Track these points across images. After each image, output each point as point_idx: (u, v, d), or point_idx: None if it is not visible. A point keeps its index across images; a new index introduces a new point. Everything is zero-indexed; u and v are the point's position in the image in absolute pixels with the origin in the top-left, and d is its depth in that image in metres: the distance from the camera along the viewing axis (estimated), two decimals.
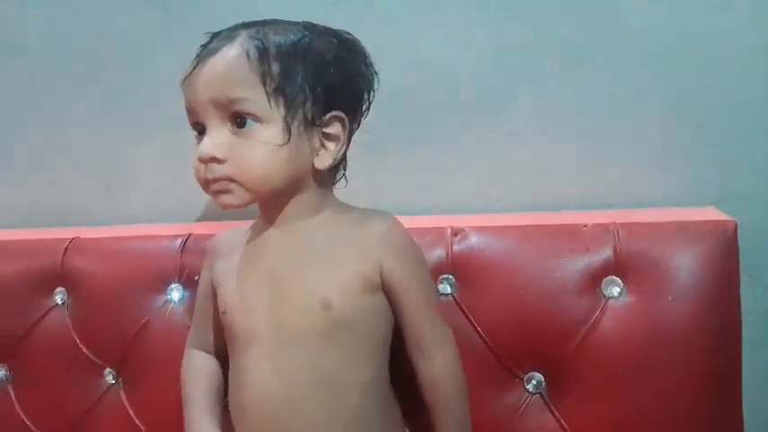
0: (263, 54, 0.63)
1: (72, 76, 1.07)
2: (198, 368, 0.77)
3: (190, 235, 0.90)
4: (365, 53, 0.69)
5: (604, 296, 0.74)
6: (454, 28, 0.89)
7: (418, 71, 0.91)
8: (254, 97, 0.63)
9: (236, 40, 0.64)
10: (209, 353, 0.78)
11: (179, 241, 0.89)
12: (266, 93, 0.63)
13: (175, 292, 0.88)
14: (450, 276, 0.79)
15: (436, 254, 0.79)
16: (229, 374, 0.72)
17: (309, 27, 0.67)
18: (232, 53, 0.63)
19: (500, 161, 0.90)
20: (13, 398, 0.96)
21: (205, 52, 0.64)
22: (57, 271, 0.94)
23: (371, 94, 0.70)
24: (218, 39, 0.65)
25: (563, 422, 0.74)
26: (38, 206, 1.12)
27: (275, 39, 0.64)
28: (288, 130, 0.63)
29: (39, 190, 1.12)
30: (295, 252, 0.68)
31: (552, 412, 0.75)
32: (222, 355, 0.76)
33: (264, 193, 0.66)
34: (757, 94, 0.82)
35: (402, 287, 0.68)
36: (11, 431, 0.95)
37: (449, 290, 0.79)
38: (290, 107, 0.64)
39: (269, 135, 0.63)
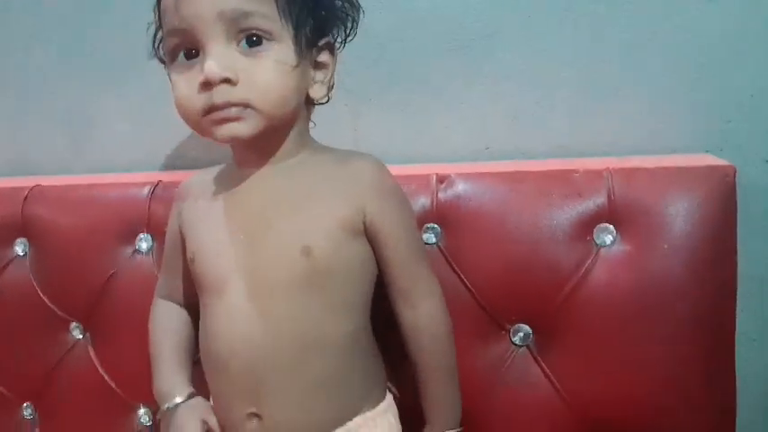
0: None
1: (34, 21, 1.00)
2: (166, 319, 0.73)
3: (159, 182, 0.84)
4: None
5: (596, 245, 0.71)
6: None
7: (403, 14, 0.85)
8: (267, 12, 0.57)
9: None
10: (179, 303, 0.74)
11: (147, 189, 0.84)
12: (277, 7, 0.57)
13: (144, 243, 0.83)
14: (436, 225, 0.75)
15: (420, 202, 0.75)
16: (200, 324, 0.68)
17: None
18: None
19: (489, 107, 0.86)
20: None
21: None
22: (17, 220, 0.89)
23: (356, 20, 0.65)
24: None
25: (550, 375, 0.72)
26: (2, 156, 1.06)
27: None
28: (300, 50, 0.58)
29: (3, 140, 1.05)
30: (272, 195, 0.64)
31: (540, 365, 0.72)
32: (192, 305, 0.71)
33: (278, 119, 0.60)
34: (758, 38, 0.78)
35: (386, 232, 0.64)
36: None
37: (434, 239, 0.75)
38: (297, 26, 0.58)
39: (282, 54, 0.58)
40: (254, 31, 0.57)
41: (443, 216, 0.75)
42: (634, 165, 0.73)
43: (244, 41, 0.57)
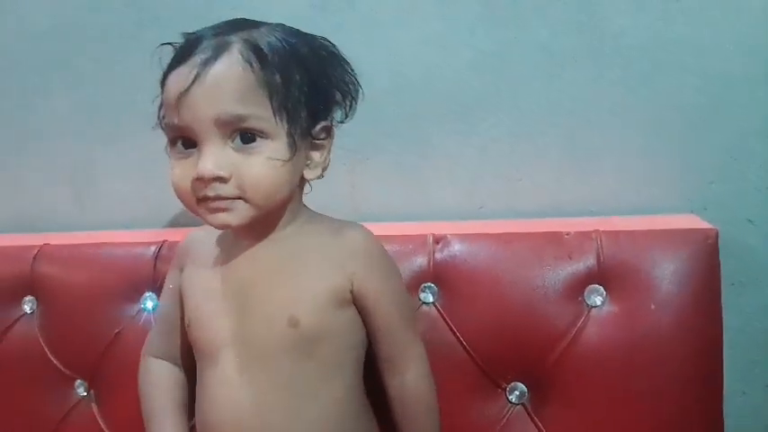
0: (265, 65, 0.59)
1: (42, 79, 1.03)
2: (161, 379, 0.74)
3: (164, 242, 0.87)
4: (345, 59, 0.67)
5: (587, 305, 0.74)
6: (435, 34, 0.88)
7: (399, 77, 0.89)
8: (261, 113, 0.59)
9: (234, 49, 0.59)
10: (173, 361, 0.74)
11: (153, 249, 0.87)
12: (272, 107, 0.59)
13: (149, 301, 0.85)
14: (432, 285, 0.78)
15: (418, 262, 0.78)
16: (197, 388, 0.69)
17: (292, 31, 0.64)
18: (236, 66, 0.58)
19: (481, 168, 0.89)
20: None
21: (201, 64, 0.58)
22: (25, 278, 0.90)
23: (355, 101, 0.68)
24: (207, 45, 0.59)
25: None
26: (6, 212, 1.09)
27: (272, 46, 0.60)
28: (293, 144, 0.61)
29: (7, 195, 1.08)
30: (264, 265, 0.66)
31: (535, 423, 0.74)
32: (189, 366, 0.73)
33: (268, 209, 0.63)
34: (739, 101, 0.82)
35: (374, 301, 0.66)
36: None
37: (431, 298, 0.77)
38: (292, 120, 0.61)
39: (275, 151, 0.60)
40: (250, 132, 0.59)
41: (440, 276, 0.78)
42: (621, 227, 0.77)
43: (238, 138, 0.59)
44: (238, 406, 0.63)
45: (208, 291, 0.67)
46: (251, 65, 0.59)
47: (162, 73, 0.62)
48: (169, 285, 0.75)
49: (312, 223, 0.68)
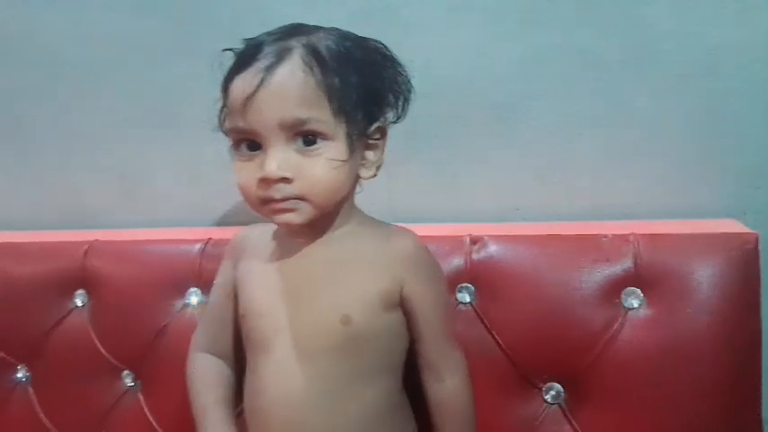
0: (325, 69, 0.62)
1: (95, 81, 1.07)
2: (209, 375, 0.76)
3: (209, 239, 0.90)
4: (398, 60, 0.69)
5: (624, 307, 0.74)
6: (474, 37, 0.89)
7: (438, 80, 0.91)
8: (321, 116, 0.62)
9: (295, 54, 0.62)
10: (222, 356, 0.77)
11: (199, 246, 0.90)
12: (331, 111, 0.62)
13: (194, 297, 0.89)
14: (470, 285, 0.79)
15: (455, 262, 0.80)
16: (246, 379, 0.72)
17: (347, 34, 0.67)
18: (298, 71, 0.61)
19: (519, 170, 0.90)
20: (33, 398, 0.97)
21: (265, 69, 0.61)
22: (77, 273, 0.94)
23: (407, 101, 0.70)
24: (270, 51, 0.62)
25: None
26: (59, 209, 1.13)
27: (330, 50, 0.63)
28: (351, 145, 0.64)
29: (61, 192, 1.13)
30: (319, 264, 0.69)
31: (571, 423, 0.75)
32: (237, 359, 0.76)
33: (329, 208, 0.66)
34: None
35: (420, 307, 0.68)
36: (30, 431, 0.96)
37: (468, 298, 0.79)
38: (349, 122, 0.63)
39: (335, 152, 0.63)
40: (309, 135, 0.62)
41: (476, 276, 0.79)
42: (659, 230, 0.77)
43: (300, 141, 0.62)
44: (287, 394, 0.66)
45: (264, 284, 0.70)
46: (311, 69, 0.61)
47: (223, 78, 0.65)
48: (221, 279, 0.78)
49: (364, 225, 0.71)
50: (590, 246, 0.77)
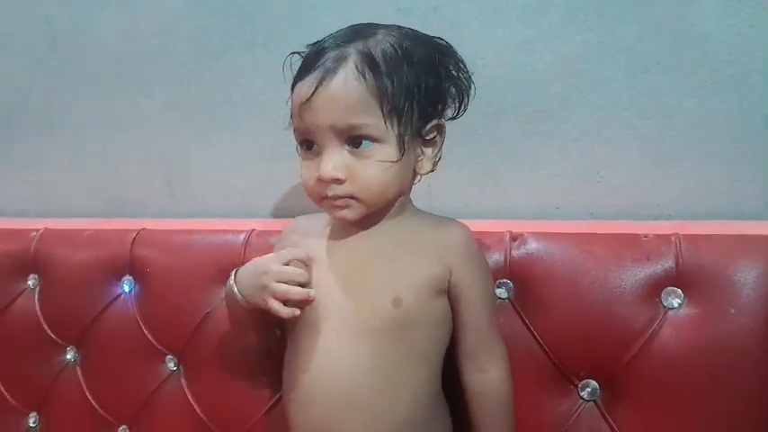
0: (377, 74, 0.65)
1: (141, 76, 1.11)
2: None
3: (253, 230, 0.93)
4: (459, 57, 0.72)
5: (664, 307, 0.74)
6: (517, 35, 0.90)
7: (478, 78, 0.91)
8: (373, 121, 0.65)
9: (350, 61, 0.65)
10: None
11: (242, 236, 0.92)
12: (383, 115, 0.65)
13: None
14: (508, 281, 0.80)
15: (494, 258, 0.81)
16: (286, 361, 0.74)
17: (407, 33, 0.69)
18: (351, 79, 0.65)
19: (559, 169, 0.91)
20: (81, 379, 1.01)
21: (323, 74, 0.65)
22: (125, 260, 0.98)
23: (467, 96, 0.73)
24: (328, 58, 0.66)
25: (617, 430, 0.74)
26: (106, 198, 1.17)
27: (386, 53, 0.66)
28: (402, 146, 0.67)
29: (108, 183, 1.17)
30: (371, 249, 0.71)
31: (606, 420, 0.75)
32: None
33: (381, 205, 0.70)
34: None
35: (467, 295, 0.71)
36: (77, 411, 1.00)
37: (506, 294, 0.80)
38: (402, 124, 0.67)
39: (385, 154, 0.66)
40: (362, 138, 0.66)
41: (516, 272, 0.80)
42: (701, 231, 0.77)
43: (353, 143, 0.66)
44: (333, 376, 0.68)
45: (318, 261, 0.71)
46: (364, 76, 0.65)
47: (293, 81, 0.69)
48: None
49: (416, 216, 0.75)
50: (630, 245, 0.77)
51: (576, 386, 0.77)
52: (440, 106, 0.71)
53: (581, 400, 0.77)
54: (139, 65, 1.11)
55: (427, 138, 0.70)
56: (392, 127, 0.66)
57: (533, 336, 0.77)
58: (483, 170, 0.94)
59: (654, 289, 0.74)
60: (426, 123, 0.69)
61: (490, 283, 0.75)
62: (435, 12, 0.92)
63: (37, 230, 1.06)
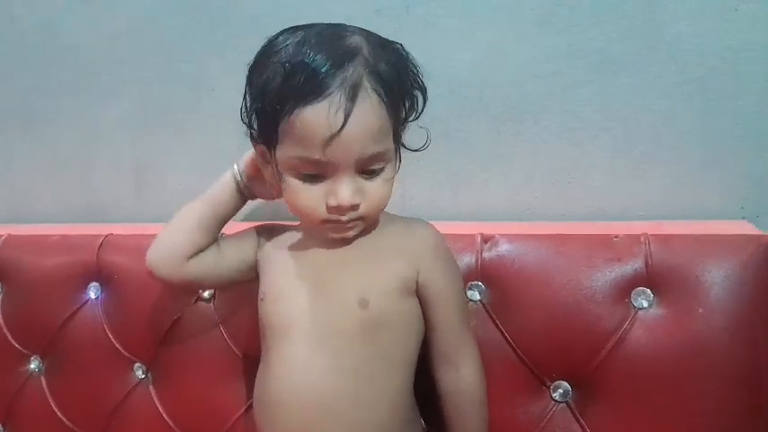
0: (392, 96, 0.64)
1: (109, 79, 1.09)
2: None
3: (222, 234, 0.91)
4: (414, 61, 0.69)
5: (634, 307, 0.74)
6: (487, 37, 0.90)
7: (451, 79, 0.91)
8: (389, 144, 0.65)
9: (367, 86, 0.62)
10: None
11: None
12: (393, 135, 0.66)
13: (206, 292, 0.89)
14: (480, 283, 0.79)
15: (465, 260, 0.80)
16: (260, 369, 0.73)
17: (381, 42, 0.66)
18: (376, 106, 0.62)
19: (531, 170, 0.91)
20: (46, 389, 0.98)
21: (345, 105, 0.60)
22: (92, 266, 0.96)
23: (425, 102, 0.71)
24: (338, 82, 0.60)
25: (588, 431, 0.74)
26: (74, 203, 1.15)
27: (389, 73, 0.64)
28: (399, 158, 0.68)
29: (76, 188, 1.15)
30: (340, 253, 0.70)
31: (579, 421, 0.75)
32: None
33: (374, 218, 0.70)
34: None
35: (437, 294, 0.70)
36: (43, 421, 0.97)
37: (477, 296, 0.79)
38: (399, 139, 0.68)
39: (391, 170, 0.67)
40: (381, 163, 0.65)
41: (487, 274, 0.79)
42: (671, 231, 0.77)
43: (370, 171, 0.66)
44: (306, 380, 0.67)
45: (286, 270, 0.72)
46: (382, 101, 0.63)
47: (276, 98, 0.63)
48: (243, 238, 0.79)
49: (384, 218, 0.74)
50: (601, 246, 0.77)
51: (549, 387, 0.76)
52: (412, 111, 0.71)
53: (553, 402, 0.76)
54: (107, 67, 1.09)
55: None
56: (396, 143, 0.67)
57: (505, 338, 0.77)
58: (454, 172, 0.93)
59: (624, 290, 0.74)
60: (404, 128, 0.70)
61: (460, 284, 0.75)
62: (406, 13, 0.92)
63: (0, 236, 1.04)
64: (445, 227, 0.80)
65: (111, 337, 0.93)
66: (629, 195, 0.88)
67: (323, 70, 0.61)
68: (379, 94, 0.62)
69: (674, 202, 0.86)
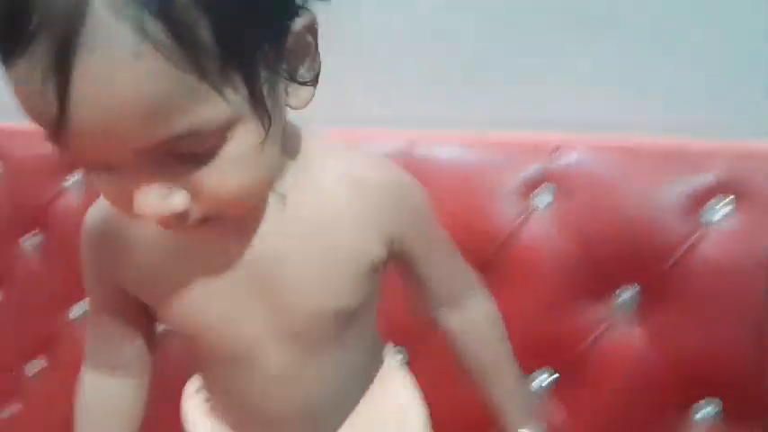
0: (179, 31, 0.34)
1: None
2: (100, 403, 0.59)
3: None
4: None
5: (708, 220, 0.74)
6: None
7: None
8: (201, 110, 0.36)
9: (117, 27, 0.32)
10: (122, 374, 0.58)
11: None
12: (213, 87, 0.36)
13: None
14: (548, 189, 0.79)
15: (534, 167, 0.80)
16: (221, 395, 0.61)
17: None
18: (127, 55, 0.33)
19: (607, 80, 0.88)
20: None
21: (55, 63, 0.32)
22: None
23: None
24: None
25: (653, 339, 0.76)
26: None
27: None
28: (264, 114, 0.40)
29: None
30: (271, 242, 0.49)
31: (643, 328, 0.76)
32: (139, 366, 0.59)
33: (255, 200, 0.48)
34: None
35: (417, 253, 0.57)
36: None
37: (545, 202, 0.79)
38: (249, 79, 0.39)
39: (240, 143, 0.40)
40: (193, 146, 0.38)
41: (557, 182, 0.79)
42: (751, 149, 0.76)
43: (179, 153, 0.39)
44: (294, 397, 0.56)
45: (202, 284, 0.50)
46: (156, 47, 0.33)
47: None
48: (96, 284, 0.55)
49: (317, 170, 0.50)
50: (676, 157, 0.76)
51: (613, 294, 0.77)
52: (290, 10, 0.42)
53: (618, 308, 0.77)
54: None
55: (294, 58, 0.43)
56: (235, 94, 0.38)
57: (571, 243, 0.77)
58: (524, 79, 0.91)
59: (698, 202, 0.74)
60: (284, 41, 0.41)
61: (436, 223, 0.58)
62: None
63: None
64: (515, 135, 0.79)
65: None
66: (711, 111, 0.85)
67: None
68: (153, 43, 0.33)
69: (757, 121, 0.83)
